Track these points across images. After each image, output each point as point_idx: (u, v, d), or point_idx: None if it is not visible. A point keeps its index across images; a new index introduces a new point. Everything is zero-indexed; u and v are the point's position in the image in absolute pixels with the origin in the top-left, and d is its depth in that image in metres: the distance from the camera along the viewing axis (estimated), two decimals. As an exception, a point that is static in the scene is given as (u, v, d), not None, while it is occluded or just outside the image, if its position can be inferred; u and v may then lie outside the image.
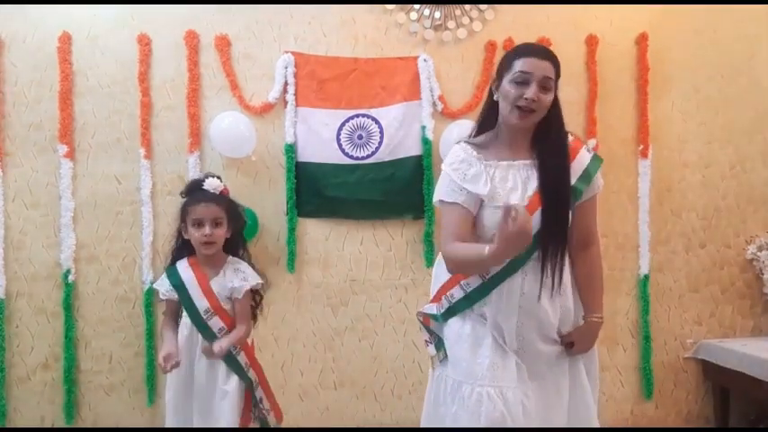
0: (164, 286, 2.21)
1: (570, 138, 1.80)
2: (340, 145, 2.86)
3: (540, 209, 1.71)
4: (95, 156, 2.76)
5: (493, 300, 1.75)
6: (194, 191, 2.23)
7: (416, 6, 2.87)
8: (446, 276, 1.82)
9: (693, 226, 3.04)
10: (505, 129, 1.78)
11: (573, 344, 1.84)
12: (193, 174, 2.73)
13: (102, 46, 2.76)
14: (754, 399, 2.88)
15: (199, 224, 2.15)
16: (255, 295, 2.28)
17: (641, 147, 2.96)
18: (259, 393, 2.25)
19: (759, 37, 3.06)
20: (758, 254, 2.99)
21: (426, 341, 1.94)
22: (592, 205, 1.85)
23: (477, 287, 1.76)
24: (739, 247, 3.06)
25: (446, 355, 1.84)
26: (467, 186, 1.73)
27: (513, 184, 1.75)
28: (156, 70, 2.78)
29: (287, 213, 2.82)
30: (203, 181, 2.23)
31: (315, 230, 2.88)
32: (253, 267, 2.26)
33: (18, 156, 2.73)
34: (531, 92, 1.69)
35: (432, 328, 1.92)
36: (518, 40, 2.88)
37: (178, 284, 2.18)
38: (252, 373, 2.22)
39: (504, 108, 1.75)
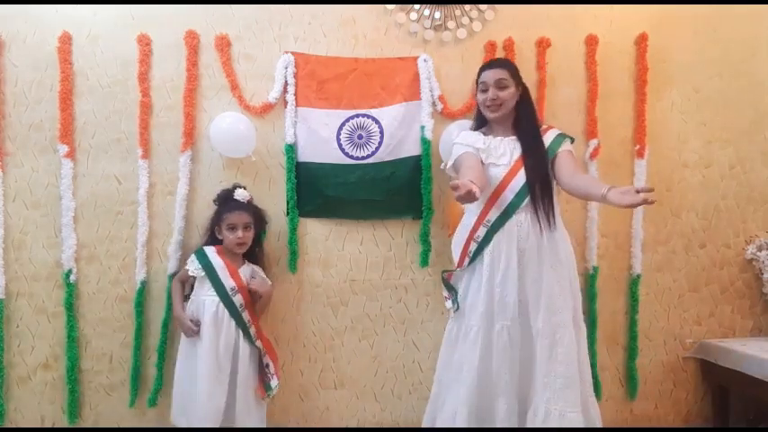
0: (193, 264, 2.58)
1: (543, 126, 2.55)
2: (340, 145, 2.86)
3: (523, 168, 2.39)
4: (96, 156, 2.76)
5: (494, 241, 2.41)
6: (228, 200, 2.64)
7: (416, 6, 2.87)
8: (469, 226, 2.46)
9: (693, 226, 3.05)
10: (491, 122, 2.54)
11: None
12: (184, 172, 2.75)
13: (102, 46, 2.76)
14: (754, 398, 2.88)
15: (233, 228, 2.58)
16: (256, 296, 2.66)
17: (638, 147, 2.96)
18: (266, 360, 2.63)
19: (759, 37, 3.06)
20: (758, 254, 2.99)
21: (446, 297, 2.60)
22: (565, 158, 2.44)
23: (486, 232, 2.42)
24: (739, 247, 3.06)
25: (459, 307, 2.52)
26: (470, 143, 2.47)
27: (503, 151, 2.45)
28: (156, 70, 2.78)
29: (287, 213, 2.83)
30: (234, 191, 2.65)
31: (315, 230, 2.88)
32: (264, 270, 2.72)
33: (18, 156, 2.73)
34: (490, 94, 2.46)
35: (453, 283, 2.58)
36: (518, 41, 2.90)
37: (207, 265, 2.56)
38: (258, 343, 2.60)
39: (482, 109, 2.53)
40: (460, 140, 2.51)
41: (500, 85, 2.44)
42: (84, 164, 2.76)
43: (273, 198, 2.84)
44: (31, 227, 2.74)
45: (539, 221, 2.37)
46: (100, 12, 2.75)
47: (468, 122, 2.78)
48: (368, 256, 2.90)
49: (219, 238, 2.62)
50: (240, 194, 2.64)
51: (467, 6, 2.89)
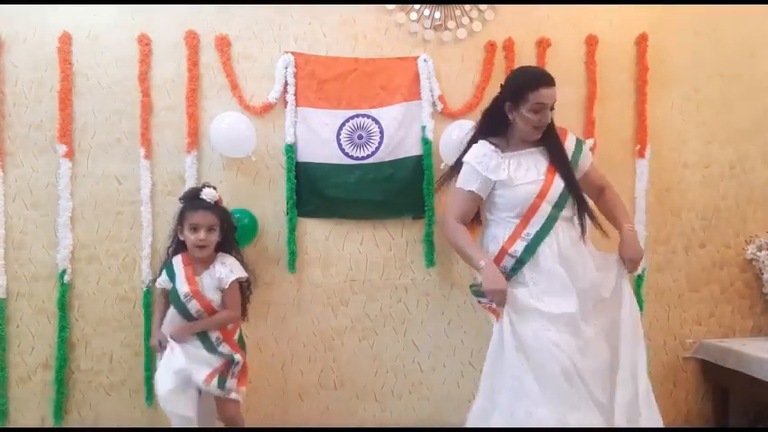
0: (161, 277, 2.51)
1: (556, 128, 2.37)
2: (340, 145, 2.86)
3: (555, 177, 2.28)
4: (95, 156, 2.76)
5: (536, 256, 2.23)
6: (193, 199, 2.48)
7: (416, 6, 2.87)
8: (499, 239, 2.29)
9: (693, 226, 3.05)
10: (518, 135, 2.33)
11: (624, 260, 2.31)
12: (191, 174, 2.74)
13: (102, 46, 2.76)
14: (754, 399, 2.88)
15: (195, 229, 2.42)
16: (245, 289, 2.55)
17: (638, 147, 2.96)
18: (237, 357, 2.43)
19: (759, 37, 3.06)
20: (758, 254, 2.99)
21: (486, 305, 2.31)
22: (593, 172, 2.44)
23: (527, 246, 2.25)
24: (739, 247, 3.06)
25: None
26: (489, 175, 2.28)
27: (526, 167, 2.30)
28: (156, 70, 2.78)
29: (287, 213, 2.82)
30: (201, 190, 2.48)
31: (315, 230, 2.88)
32: (241, 263, 2.52)
33: (18, 156, 2.73)
34: (546, 117, 2.25)
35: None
36: (518, 41, 2.90)
37: (171, 275, 2.47)
38: (224, 348, 2.43)
39: (523, 126, 2.28)
40: (478, 166, 2.29)
41: (552, 108, 2.27)
42: (84, 164, 2.75)
43: (273, 198, 2.84)
44: (30, 227, 2.74)
45: (580, 228, 2.30)
46: (100, 12, 2.75)
47: (469, 123, 2.77)
48: (368, 256, 2.90)
49: (181, 239, 2.47)
50: (207, 194, 2.47)
51: (467, 6, 2.89)
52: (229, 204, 2.74)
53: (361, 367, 2.91)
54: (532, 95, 2.22)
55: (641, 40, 2.96)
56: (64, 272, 2.71)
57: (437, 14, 2.87)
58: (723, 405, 2.98)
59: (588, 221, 2.33)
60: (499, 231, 2.31)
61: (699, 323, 3.06)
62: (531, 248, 2.23)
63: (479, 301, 2.34)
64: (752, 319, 3.08)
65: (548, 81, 2.25)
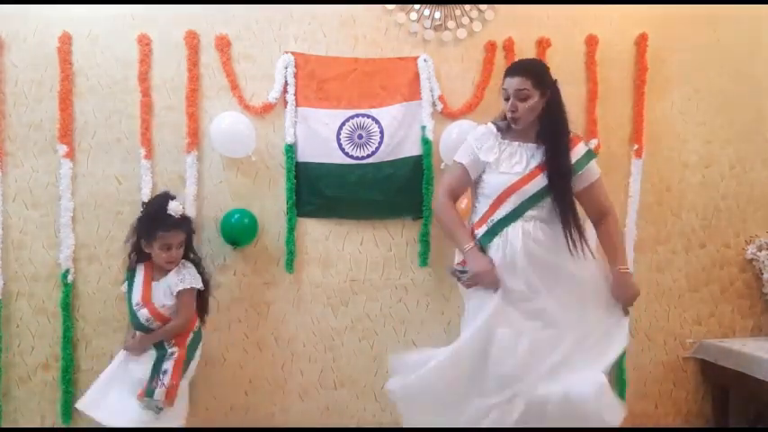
0: (125, 283, 2.51)
1: (571, 134, 2.31)
2: (340, 145, 2.86)
3: (539, 175, 2.25)
4: (95, 156, 2.76)
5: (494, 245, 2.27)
6: (162, 215, 2.41)
7: (416, 6, 2.87)
8: (476, 218, 2.33)
9: (693, 226, 3.05)
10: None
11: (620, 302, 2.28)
12: (191, 173, 2.75)
13: (102, 46, 2.76)
14: (754, 399, 2.88)
15: (167, 248, 2.40)
16: (204, 293, 2.52)
17: (636, 146, 2.96)
18: (167, 365, 2.36)
19: (759, 37, 3.07)
20: (758, 254, 2.99)
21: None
22: (596, 188, 2.35)
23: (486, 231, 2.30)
24: (739, 247, 3.06)
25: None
26: (480, 155, 2.31)
27: (518, 158, 2.29)
28: (156, 70, 2.78)
29: (286, 213, 2.82)
30: (166, 203, 2.42)
31: (315, 230, 2.88)
32: (200, 270, 2.51)
33: (18, 156, 2.73)
34: (509, 105, 2.27)
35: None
36: (518, 41, 2.90)
37: (131, 283, 2.47)
38: (173, 349, 2.39)
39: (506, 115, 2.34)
40: (474, 143, 2.33)
41: (520, 96, 2.23)
42: (84, 164, 2.75)
43: (273, 198, 2.84)
44: (30, 227, 2.73)
45: (567, 240, 2.21)
46: (100, 12, 2.75)
47: (470, 123, 2.79)
48: (368, 256, 2.90)
49: (147, 251, 2.43)
50: (174, 209, 2.42)
51: (467, 6, 2.89)
52: (229, 204, 2.76)
53: (361, 367, 2.91)
54: (503, 83, 2.31)
55: (641, 40, 2.96)
56: (67, 272, 2.71)
57: (437, 14, 2.87)
58: (723, 405, 2.98)
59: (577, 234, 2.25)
60: (473, 218, 2.37)
61: (699, 323, 3.06)
62: (489, 235, 2.28)
63: (458, 278, 2.33)
64: (752, 319, 3.09)
65: (512, 70, 2.31)
